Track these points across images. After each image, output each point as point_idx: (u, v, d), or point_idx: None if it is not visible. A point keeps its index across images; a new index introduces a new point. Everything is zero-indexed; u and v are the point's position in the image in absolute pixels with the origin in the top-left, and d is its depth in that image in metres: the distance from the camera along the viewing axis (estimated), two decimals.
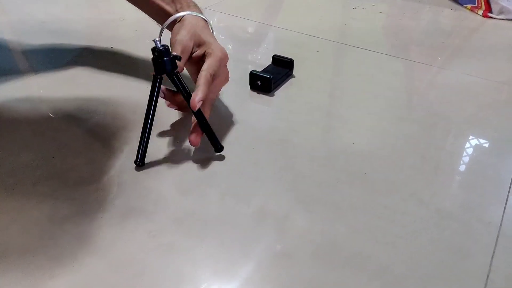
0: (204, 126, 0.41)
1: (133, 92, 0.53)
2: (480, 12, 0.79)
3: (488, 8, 0.78)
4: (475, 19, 0.78)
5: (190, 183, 0.39)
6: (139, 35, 0.69)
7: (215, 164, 0.41)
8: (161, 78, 0.40)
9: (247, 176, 0.40)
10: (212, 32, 0.47)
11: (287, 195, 0.38)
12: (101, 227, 0.34)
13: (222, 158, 0.42)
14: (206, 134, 0.42)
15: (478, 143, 0.45)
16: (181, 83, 0.41)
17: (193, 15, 0.46)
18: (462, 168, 0.42)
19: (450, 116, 0.50)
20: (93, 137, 0.45)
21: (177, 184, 0.39)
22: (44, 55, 0.62)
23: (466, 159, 0.43)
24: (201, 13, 0.48)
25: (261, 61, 0.62)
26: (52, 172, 0.39)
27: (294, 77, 0.57)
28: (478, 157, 0.43)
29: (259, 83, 0.53)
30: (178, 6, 0.48)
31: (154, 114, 0.41)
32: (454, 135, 0.47)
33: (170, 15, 0.47)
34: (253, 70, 0.53)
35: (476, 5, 0.80)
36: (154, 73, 0.40)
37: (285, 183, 0.39)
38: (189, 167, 0.41)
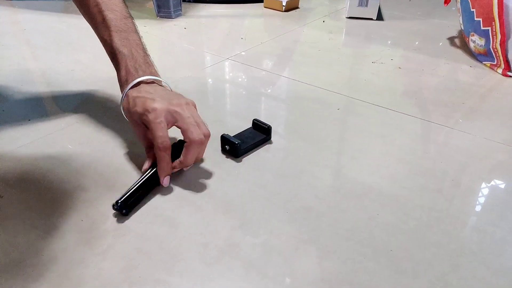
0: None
1: None
2: (500, 70, 0.80)
3: (508, 67, 0.79)
4: (495, 77, 0.79)
5: (213, 253, 0.39)
6: None
7: (234, 235, 0.42)
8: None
9: (269, 246, 0.40)
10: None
11: (312, 272, 0.38)
12: None
13: (242, 230, 0.42)
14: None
15: (506, 221, 0.45)
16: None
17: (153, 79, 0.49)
18: (490, 249, 0.41)
19: (474, 188, 0.50)
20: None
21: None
22: (74, 104, 0.64)
23: (493, 238, 0.43)
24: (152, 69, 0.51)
25: (279, 115, 0.63)
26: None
27: (272, 143, 0.57)
28: (506, 237, 0.43)
29: (227, 147, 0.53)
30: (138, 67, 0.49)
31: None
32: (479, 209, 0.46)
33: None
34: (223, 135, 0.53)
35: (495, 63, 0.81)
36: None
37: (309, 258, 0.39)
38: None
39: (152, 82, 0.49)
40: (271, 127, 0.56)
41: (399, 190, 0.49)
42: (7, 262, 0.37)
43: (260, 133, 0.56)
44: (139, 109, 0.45)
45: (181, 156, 0.47)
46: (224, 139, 0.53)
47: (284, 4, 1.18)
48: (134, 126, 0.48)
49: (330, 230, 0.43)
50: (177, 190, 0.47)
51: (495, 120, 0.64)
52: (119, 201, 0.42)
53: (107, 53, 0.52)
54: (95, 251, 0.39)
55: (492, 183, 0.51)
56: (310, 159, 0.54)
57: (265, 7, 1.23)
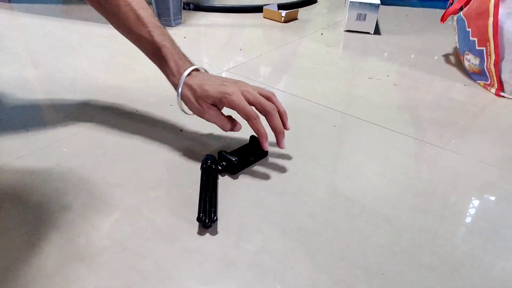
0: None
1: (159, 165, 0.55)
2: (493, 90, 0.82)
3: (501, 87, 0.80)
4: (488, 97, 0.81)
5: (210, 272, 0.40)
6: (164, 99, 0.71)
7: (230, 254, 0.42)
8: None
9: (264, 265, 0.41)
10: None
11: None
12: None
13: (238, 248, 0.43)
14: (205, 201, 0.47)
15: (494, 245, 0.46)
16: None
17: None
18: (479, 273, 0.42)
19: (465, 210, 0.51)
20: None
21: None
22: (74, 114, 0.65)
23: (482, 261, 0.44)
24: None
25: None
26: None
27: (268, 159, 0.58)
28: (494, 261, 0.44)
29: (224, 163, 0.53)
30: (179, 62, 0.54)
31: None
32: (469, 232, 0.47)
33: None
34: (222, 151, 0.54)
35: (489, 82, 0.83)
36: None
37: (303, 278, 0.40)
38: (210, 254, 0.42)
39: (197, 70, 0.55)
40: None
41: (392, 210, 0.50)
42: (2, 279, 0.38)
43: (257, 150, 0.57)
44: (214, 93, 0.51)
45: (273, 129, 0.53)
46: (221, 156, 0.54)
47: (283, 15, 1.19)
48: (204, 110, 0.53)
49: (324, 250, 0.43)
50: (173, 207, 0.48)
51: (487, 140, 0.66)
52: (202, 215, 0.45)
53: (143, 49, 0.55)
54: (91, 268, 0.39)
55: (483, 205, 0.52)
56: (305, 177, 0.54)
57: (264, 17, 1.24)
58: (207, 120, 0.55)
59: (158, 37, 0.53)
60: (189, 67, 0.53)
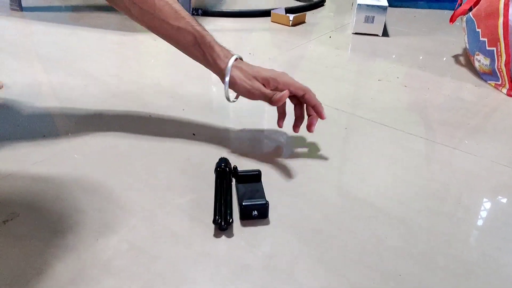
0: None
1: (173, 168, 0.55)
2: (504, 90, 0.81)
3: None
4: (499, 97, 0.80)
5: (222, 275, 0.40)
6: (175, 103, 0.72)
7: (246, 256, 0.42)
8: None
9: (279, 268, 0.41)
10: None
11: None
12: None
13: (253, 251, 0.43)
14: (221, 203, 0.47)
15: (510, 246, 0.45)
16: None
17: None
18: (495, 274, 0.42)
19: (480, 211, 0.50)
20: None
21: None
22: (88, 120, 0.66)
23: (498, 263, 0.43)
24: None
25: (287, 133, 0.64)
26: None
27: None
28: (511, 262, 0.43)
29: (255, 213, 0.47)
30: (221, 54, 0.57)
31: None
32: (485, 233, 0.47)
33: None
34: (245, 203, 0.46)
35: (500, 83, 0.82)
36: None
37: (319, 281, 0.40)
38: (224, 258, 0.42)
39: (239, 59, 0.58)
40: (260, 172, 0.53)
41: (406, 212, 0.49)
42: (24, 283, 0.38)
43: (255, 182, 0.52)
44: (268, 74, 0.57)
45: (314, 107, 0.58)
46: (248, 206, 0.47)
47: (291, 19, 1.20)
48: (254, 87, 0.56)
49: (339, 253, 0.43)
50: (189, 210, 0.48)
51: (500, 141, 0.65)
52: (218, 218, 0.45)
53: (182, 40, 0.56)
54: (110, 272, 0.40)
55: (497, 206, 0.52)
56: (319, 179, 0.55)
57: (272, 21, 1.25)
58: (255, 96, 0.57)
59: (198, 26, 0.55)
60: (234, 54, 0.57)
